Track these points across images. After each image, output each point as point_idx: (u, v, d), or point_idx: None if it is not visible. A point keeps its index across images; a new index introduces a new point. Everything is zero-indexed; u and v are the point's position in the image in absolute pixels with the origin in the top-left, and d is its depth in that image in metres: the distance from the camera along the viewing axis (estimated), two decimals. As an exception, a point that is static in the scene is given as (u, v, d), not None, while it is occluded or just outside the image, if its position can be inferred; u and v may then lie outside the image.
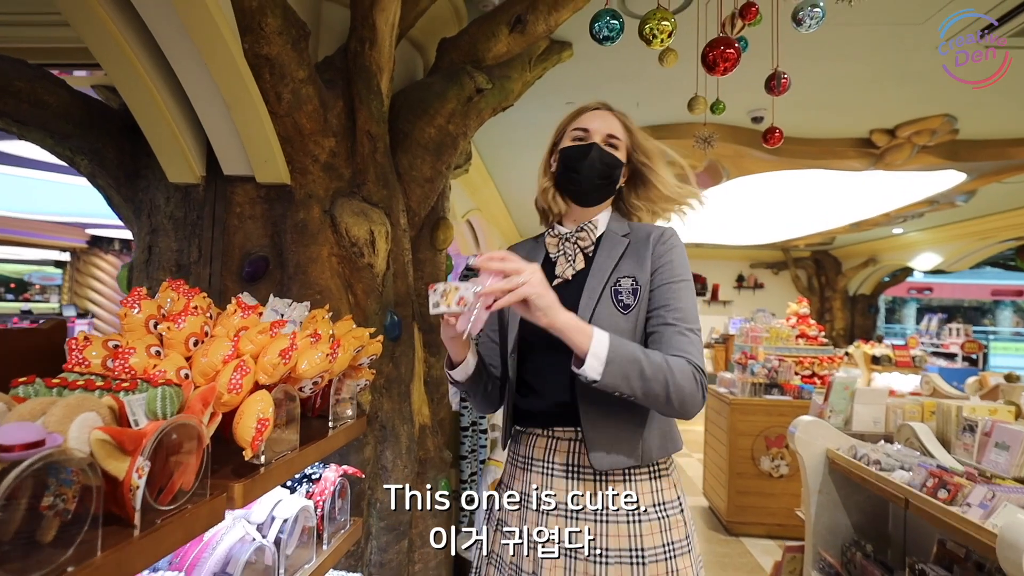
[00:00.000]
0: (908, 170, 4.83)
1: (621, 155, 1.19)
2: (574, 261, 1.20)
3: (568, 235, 1.22)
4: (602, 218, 1.23)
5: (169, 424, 0.86)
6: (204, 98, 1.89)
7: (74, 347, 1.09)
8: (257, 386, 1.17)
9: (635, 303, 1.10)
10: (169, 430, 0.87)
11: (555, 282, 1.17)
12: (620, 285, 1.12)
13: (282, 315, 1.67)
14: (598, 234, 1.21)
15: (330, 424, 1.57)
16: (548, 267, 1.22)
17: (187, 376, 1.12)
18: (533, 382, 1.19)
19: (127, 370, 1.08)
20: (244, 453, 1.09)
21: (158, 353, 1.14)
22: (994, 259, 9.10)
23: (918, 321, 27.20)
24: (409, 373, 2.46)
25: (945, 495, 1.71)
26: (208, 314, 1.30)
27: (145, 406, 0.89)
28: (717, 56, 1.50)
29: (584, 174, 1.17)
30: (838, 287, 11.72)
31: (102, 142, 2.13)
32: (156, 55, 1.80)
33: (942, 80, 3.51)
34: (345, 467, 1.70)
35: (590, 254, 1.20)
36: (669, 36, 1.49)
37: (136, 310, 1.17)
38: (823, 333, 6.64)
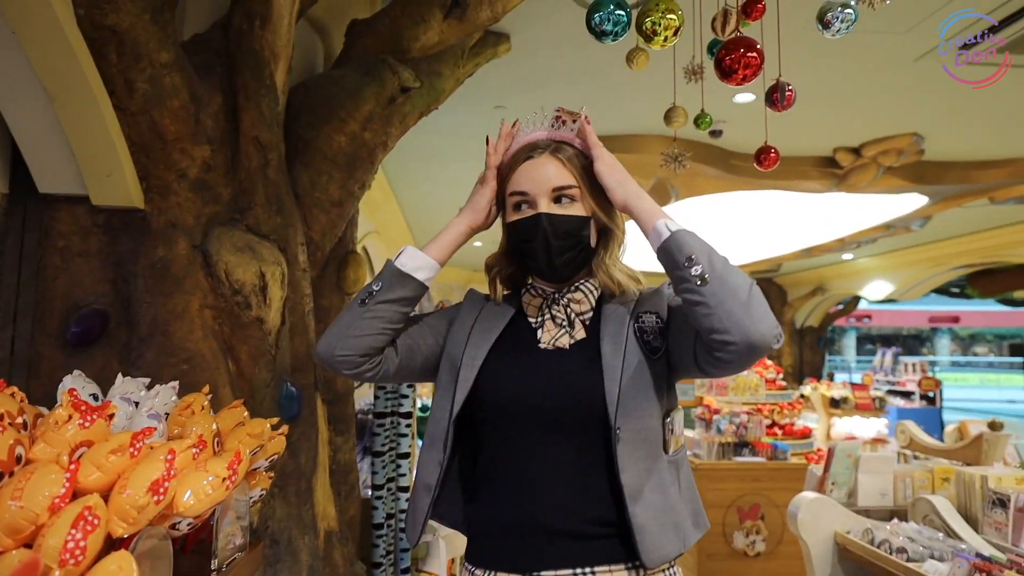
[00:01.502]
0: (871, 192, 5.18)
1: (581, 207, 1.10)
2: (570, 329, 1.13)
3: (556, 296, 1.15)
4: (590, 276, 1.17)
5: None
6: (10, 82, 1.55)
7: None
8: (109, 542, 0.88)
9: (663, 347, 1.09)
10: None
11: (541, 346, 1.12)
12: (644, 322, 1.10)
13: (136, 405, 1.36)
14: (595, 296, 1.15)
15: (213, 568, 1.27)
16: (521, 331, 1.16)
17: (-15, 537, 0.82)
18: (506, 483, 1.10)
19: None
20: (88, 664, 0.79)
21: (-68, 500, 0.82)
22: (945, 286, 10.09)
23: (859, 351, 29.79)
24: (311, 463, 2.16)
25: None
26: (20, 421, 0.99)
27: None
28: (736, 61, 1.42)
29: (540, 254, 1.10)
30: (785, 319, 12.48)
31: None
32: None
33: (913, 96, 3.79)
34: (233, 626, 1.39)
35: (588, 322, 1.13)
36: (675, 34, 1.39)
37: None
38: (780, 375, 6.95)
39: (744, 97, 3.88)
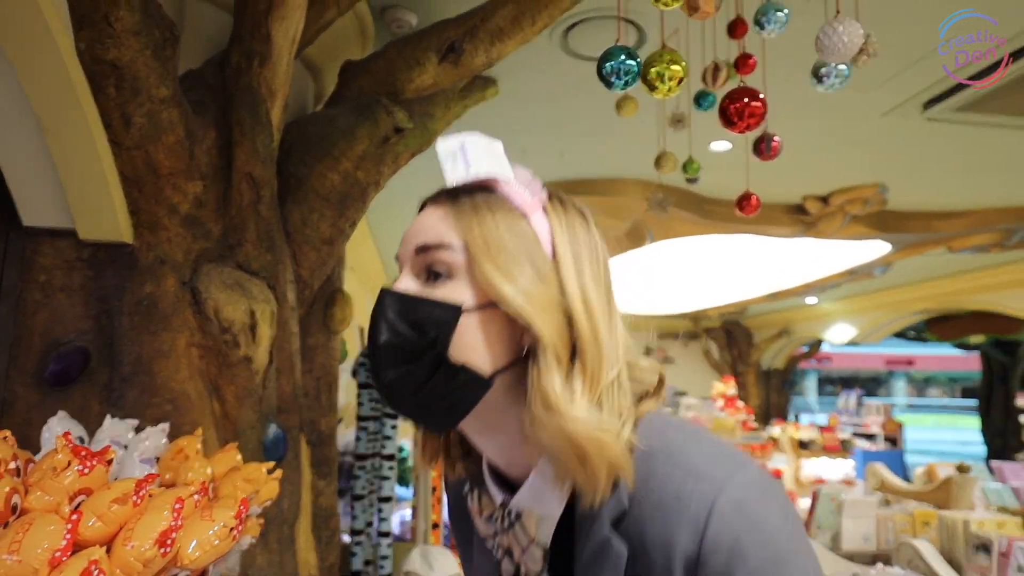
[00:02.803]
0: (837, 239, 5.35)
1: (463, 289, 0.61)
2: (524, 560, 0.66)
3: (497, 522, 0.67)
4: (534, 479, 0.63)
5: None
6: (2, 115, 1.51)
7: None
8: (110, 599, 0.82)
9: None
10: None
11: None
12: None
13: (124, 448, 1.30)
14: (547, 531, 0.63)
15: (203, 622, 1.20)
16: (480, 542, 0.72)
17: (-23, 594, 0.76)
18: None
19: None
20: None
21: (-80, 555, 0.76)
22: (903, 330, 10.38)
23: (820, 393, 30.33)
24: (294, 508, 2.08)
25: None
26: (13, 467, 0.94)
27: None
28: (740, 110, 1.46)
29: (385, 370, 0.62)
30: (751, 360, 12.65)
31: None
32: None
33: (879, 149, 3.95)
34: None
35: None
36: (679, 84, 1.43)
37: None
38: (752, 416, 7.02)
39: (719, 145, 3.99)
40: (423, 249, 0.63)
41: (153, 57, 1.59)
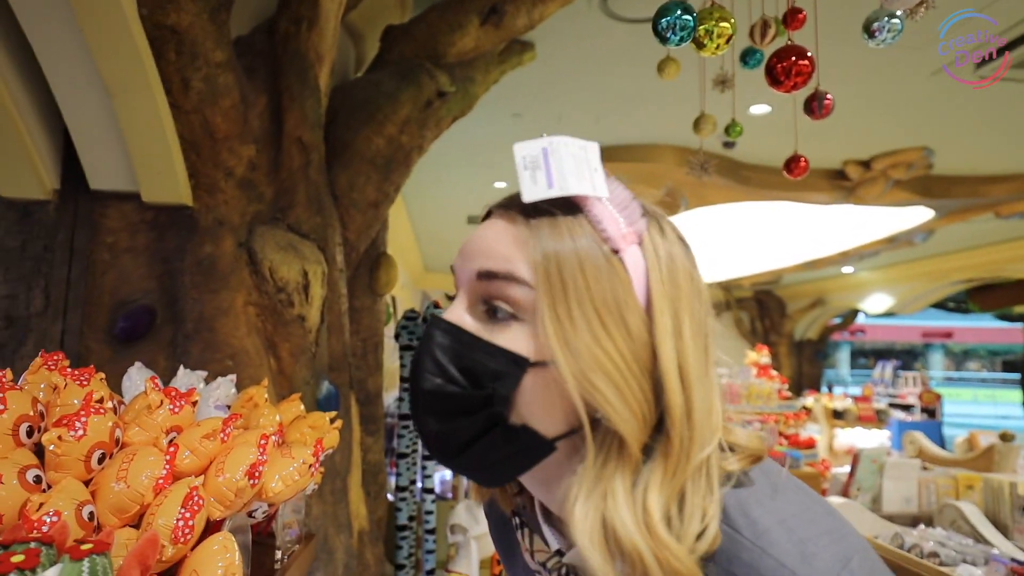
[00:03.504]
0: (879, 205, 5.24)
1: (524, 336, 0.50)
2: None
3: (548, 571, 0.60)
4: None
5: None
6: (71, 78, 1.57)
7: None
8: (208, 525, 0.89)
9: None
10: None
11: None
12: None
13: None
14: None
15: (277, 557, 1.28)
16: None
17: (91, 517, 0.83)
18: None
19: (-14, 513, 0.77)
20: (196, 641, 0.80)
21: (39, 481, 0.84)
22: (942, 301, 10.17)
23: (853, 366, 29.92)
24: (346, 462, 2.16)
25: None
26: (110, 406, 1.00)
27: (58, 596, 0.60)
28: (787, 68, 1.45)
29: (426, 417, 0.53)
30: (784, 331, 12.53)
31: None
32: None
33: (926, 110, 3.84)
34: (290, 618, 1.39)
35: None
36: (727, 41, 1.42)
37: (-3, 408, 0.85)
38: (786, 386, 6.98)
39: (759, 109, 3.93)
40: (487, 276, 0.51)
41: (209, 21, 1.63)
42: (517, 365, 0.49)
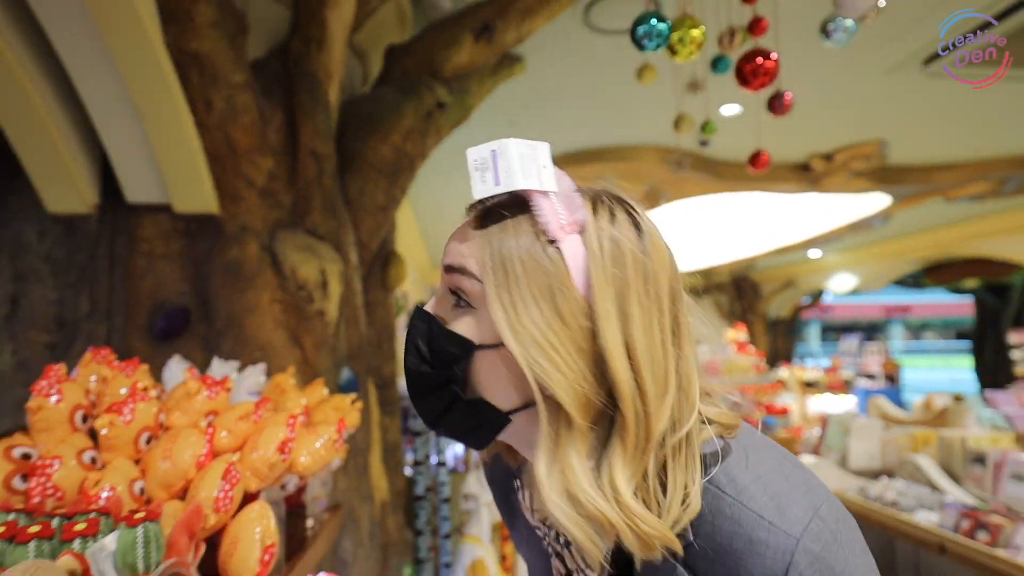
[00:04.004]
0: (840, 192, 5.25)
1: (476, 323, 0.53)
2: None
3: (551, 529, 0.61)
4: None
5: (156, 583, 0.61)
6: (106, 102, 1.57)
7: (-44, 462, 0.78)
8: (245, 497, 0.90)
9: None
10: (155, 592, 0.61)
11: None
12: None
13: (231, 385, 1.38)
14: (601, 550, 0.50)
15: (309, 523, 1.30)
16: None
17: (141, 491, 0.84)
18: None
19: (48, 491, 0.79)
20: (240, 598, 0.82)
21: (94, 461, 0.85)
22: (903, 279, 10.19)
23: (823, 340, 29.98)
24: (367, 441, 2.18)
25: (986, 537, 1.73)
26: (154, 394, 1.02)
27: (117, 559, 0.62)
28: (754, 69, 1.46)
29: (410, 392, 0.57)
30: (759, 311, 12.54)
31: (-53, 160, 1.73)
32: (36, 40, 1.48)
33: (881, 105, 3.84)
34: (322, 579, 1.41)
35: None
36: (699, 47, 1.43)
37: (54, 398, 0.87)
38: (763, 360, 7.02)
39: (729, 109, 3.93)
40: (448, 269, 0.54)
41: (228, 46, 1.63)
42: (466, 348, 0.51)
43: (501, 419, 0.52)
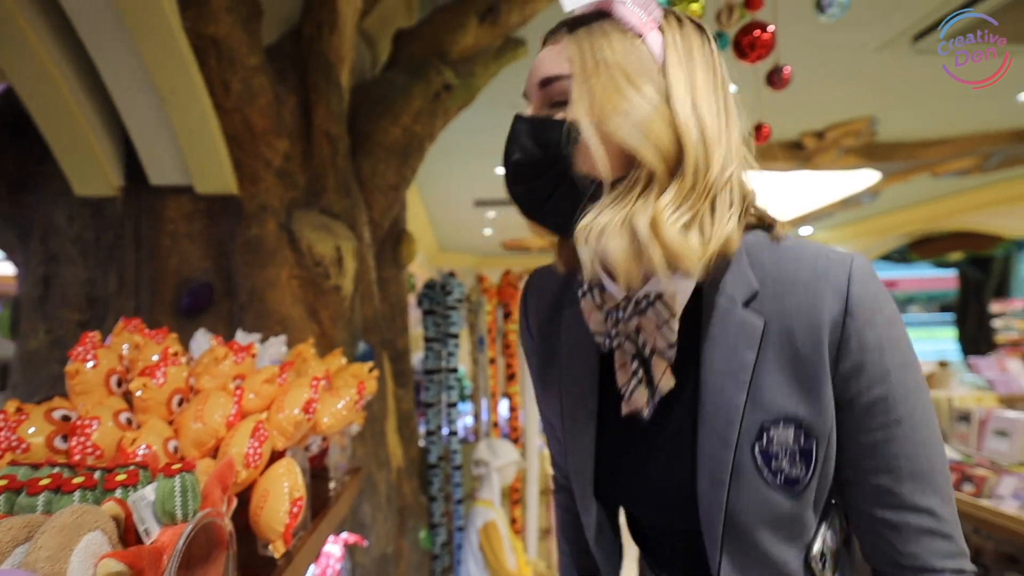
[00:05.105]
0: (831, 169, 5.19)
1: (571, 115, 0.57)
2: (648, 373, 0.59)
3: (621, 312, 0.59)
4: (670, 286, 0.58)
5: (194, 529, 0.61)
6: (128, 87, 1.55)
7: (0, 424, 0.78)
8: (272, 456, 0.91)
9: (807, 475, 0.55)
10: (191, 538, 0.61)
11: (624, 410, 0.60)
12: (773, 442, 0.55)
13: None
14: (676, 315, 0.56)
15: (331, 485, 1.31)
16: (610, 376, 0.63)
17: (175, 450, 0.85)
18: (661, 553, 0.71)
19: (88, 449, 0.79)
20: (272, 547, 0.83)
21: (129, 422, 0.85)
22: (889, 254, 10.11)
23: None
24: (383, 410, 2.19)
25: (971, 488, 1.73)
26: (184, 361, 1.02)
27: (156, 506, 0.62)
28: (751, 42, 1.43)
29: (515, 185, 0.60)
30: (751, 287, 12.50)
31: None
32: (61, 28, 1.46)
33: (871, 82, 3.78)
34: (346, 536, 1.43)
35: (672, 360, 0.58)
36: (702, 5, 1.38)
37: (91, 363, 0.87)
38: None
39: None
40: (545, 82, 0.58)
41: (243, 30, 1.61)
42: (570, 131, 0.56)
43: (600, 190, 0.56)
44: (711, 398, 0.57)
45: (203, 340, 1.34)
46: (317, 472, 1.36)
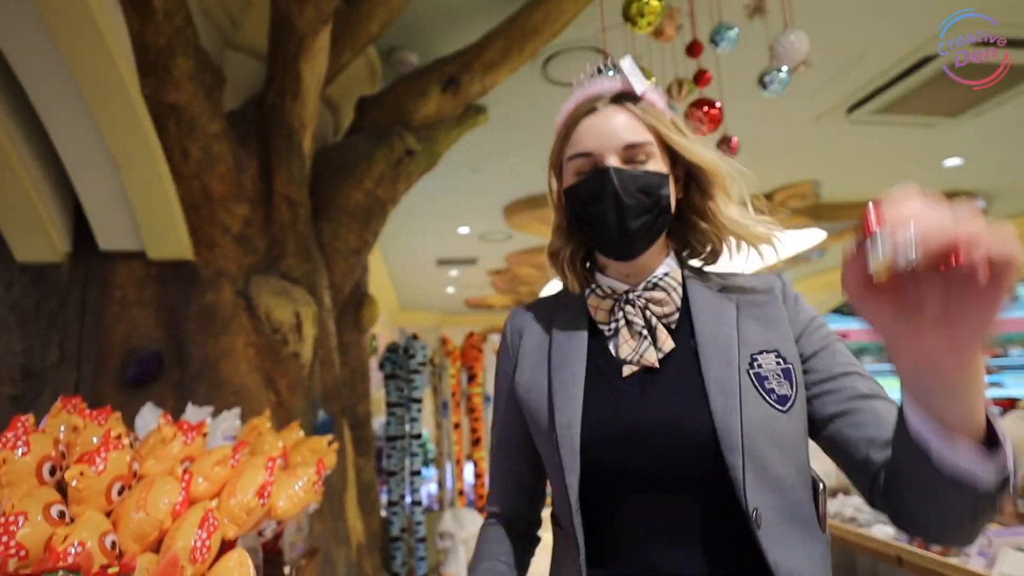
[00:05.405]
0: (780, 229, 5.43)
1: (659, 164, 0.75)
2: (654, 338, 0.74)
3: (630, 295, 0.76)
4: (669, 265, 0.78)
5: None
6: (80, 152, 1.52)
7: (-88, 523, 0.71)
8: (222, 545, 0.84)
9: (793, 393, 0.68)
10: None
11: (626, 371, 0.72)
12: (761, 366, 0.69)
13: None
14: (679, 292, 0.76)
15: (286, 572, 1.22)
16: (601, 353, 0.76)
17: (113, 545, 0.78)
18: (629, 540, 0.70)
19: (12, 551, 0.72)
20: (217, 654, 0.75)
21: (62, 515, 0.78)
22: (840, 307, 10.54)
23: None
24: (342, 482, 2.09)
25: (939, 547, 1.74)
26: (127, 442, 0.95)
27: (87, 619, 0.56)
28: (702, 116, 1.51)
29: (610, 216, 0.73)
30: (711, 341, 12.76)
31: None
32: (10, 90, 1.43)
33: (811, 150, 4.04)
34: (300, 627, 1.32)
35: (673, 326, 0.74)
36: (657, 16, 1.46)
37: (20, 450, 0.80)
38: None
39: (678, 155, 4.05)
40: (631, 147, 0.74)
41: (205, 98, 1.61)
42: (664, 177, 0.75)
43: (667, 218, 0.76)
44: (709, 341, 0.73)
45: (150, 417, 1.27)
46: (271, 557, 1.27)
